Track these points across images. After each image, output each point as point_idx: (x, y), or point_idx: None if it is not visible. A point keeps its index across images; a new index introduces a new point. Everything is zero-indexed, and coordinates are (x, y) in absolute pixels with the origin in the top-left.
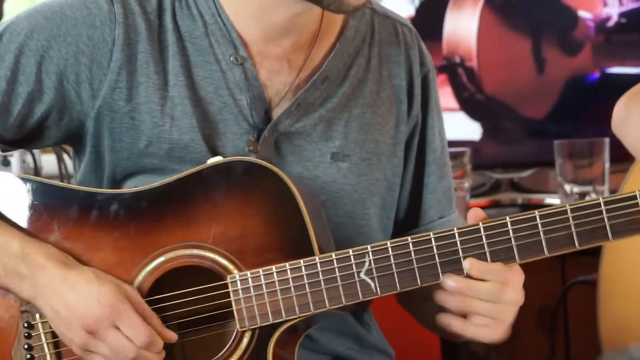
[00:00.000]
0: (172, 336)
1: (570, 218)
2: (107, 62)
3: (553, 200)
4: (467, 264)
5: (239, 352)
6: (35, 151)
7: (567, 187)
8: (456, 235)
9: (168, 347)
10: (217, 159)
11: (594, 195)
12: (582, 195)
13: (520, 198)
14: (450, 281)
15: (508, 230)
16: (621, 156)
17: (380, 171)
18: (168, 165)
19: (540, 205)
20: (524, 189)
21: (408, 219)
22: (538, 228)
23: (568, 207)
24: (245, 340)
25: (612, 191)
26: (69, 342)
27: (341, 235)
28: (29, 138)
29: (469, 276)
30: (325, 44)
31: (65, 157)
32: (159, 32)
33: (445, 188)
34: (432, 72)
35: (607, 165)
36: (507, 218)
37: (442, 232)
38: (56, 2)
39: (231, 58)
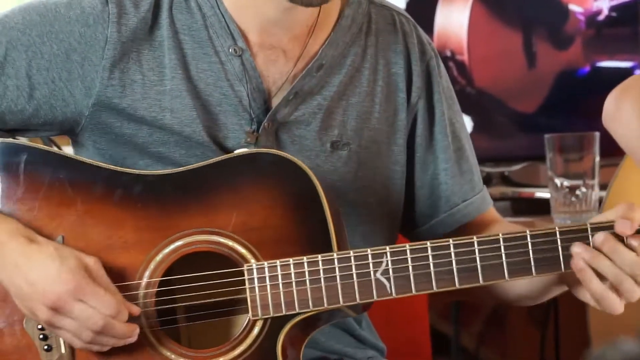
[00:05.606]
0: (136, 309)
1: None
2: (100, 60)
3: (543, 194)
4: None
5: (248, 341)
6: None
7: (557, 181)
8: (475, 243)
9: (174, 332)
10: (244, 149)
11: (584, 189)
12: (572, 189)
13: (510, 192)
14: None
15: (527, 243)
16: (611, 150)
17: (380, 159)
18: (175, 151)
19: (532, 200)
20: (515, 182)
21: (431, 208)
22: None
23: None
24: (256, 330)
25: (603, 185)
26: (35, 318)
27: (344, 224)
28: (20, 129)
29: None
30: (322, 34)
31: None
32: (154, 29)
33: (464, 170)
34: (436, 59)
35: (597, 159)
36: (527, 231)
37: (462, 239)
38: (52, 0)
39: (230, 49)
